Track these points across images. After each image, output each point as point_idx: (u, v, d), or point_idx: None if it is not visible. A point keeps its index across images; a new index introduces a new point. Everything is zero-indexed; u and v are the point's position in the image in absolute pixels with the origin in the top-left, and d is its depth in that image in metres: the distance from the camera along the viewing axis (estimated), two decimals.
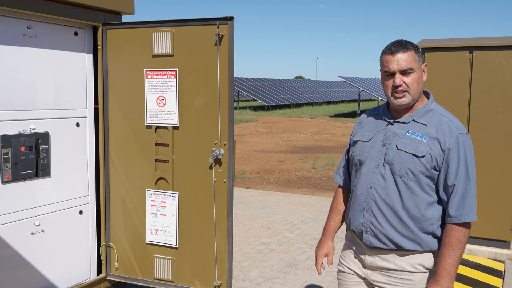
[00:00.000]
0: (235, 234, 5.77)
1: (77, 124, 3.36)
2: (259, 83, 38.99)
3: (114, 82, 3.43)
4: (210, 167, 3.21)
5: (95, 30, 3.41)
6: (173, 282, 3.41)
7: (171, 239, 3.36)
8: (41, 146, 3.11)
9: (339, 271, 2.42)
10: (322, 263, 2.44)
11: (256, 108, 34.53)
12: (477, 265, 5.09)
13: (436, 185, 2.12)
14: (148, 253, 3.45)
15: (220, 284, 3.28)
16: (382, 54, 2.17)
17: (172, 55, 3.24)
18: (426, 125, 2.13)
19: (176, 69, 3.23)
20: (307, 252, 5.43)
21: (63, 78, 3.24)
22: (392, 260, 2.18)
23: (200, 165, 3.25)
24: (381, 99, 29.15)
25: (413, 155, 2.09)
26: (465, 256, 5.30)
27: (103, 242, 3.52)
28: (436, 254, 2.16)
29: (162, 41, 3.25)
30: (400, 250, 2.15)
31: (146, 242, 3.43)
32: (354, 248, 2.33)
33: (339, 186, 2.50)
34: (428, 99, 2.22)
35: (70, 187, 3.33)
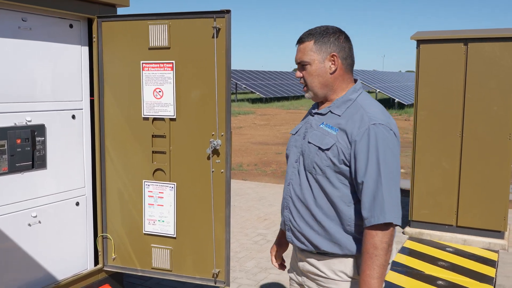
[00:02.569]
0: (232, 225, 5.80)
1: (73, 116, 3.38)
2: (257, 75, 38.93)
3: (109, 74, 3.45)
4: (208, 158, 3.25)
5: (90, 22, 3.43)
6: (171, 271, 3.46)
7: (169, 229, 3.41)
8: (37, 138, 3.13)
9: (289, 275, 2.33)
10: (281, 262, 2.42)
11: (254, 101, 34.50)
12: (471, 255, 5.15)
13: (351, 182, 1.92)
14: (146, 243, 3.49)
15: (218, 272, 3.33)
16: None
17: (168, 48, 3.27)
18: (339, 116, 1.97)
19: (173, 61, 3.26)
20: None
21: (59, 70, 3.25)
22: (314, 264, 2.04)
23: (198, 156, 3.28)
24: (379, 91, 29.14)
25: (319, 148, 1.94)
26: (459, 246, 5.36)
27: (99, 233, 3.56)
28: (360, 259, 1.92)
29: (158, 34, 3.27)
30: (320, 253, 2.00)
31: (144, 232, 3.47)
32: (294, 252, 2.24)
33: None
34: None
35: (66, 179, 3.35)
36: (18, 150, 3.00)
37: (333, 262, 1.98)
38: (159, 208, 3.41)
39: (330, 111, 2.01)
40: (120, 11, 3.62)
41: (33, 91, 3.11)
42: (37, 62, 3.12)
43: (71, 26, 3.31)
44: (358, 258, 1.94)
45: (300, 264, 2.12)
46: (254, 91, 33.69)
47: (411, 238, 5.65)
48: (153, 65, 3.32)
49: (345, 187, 1.92)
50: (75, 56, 3.36)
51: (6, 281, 3.01)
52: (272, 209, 6.91)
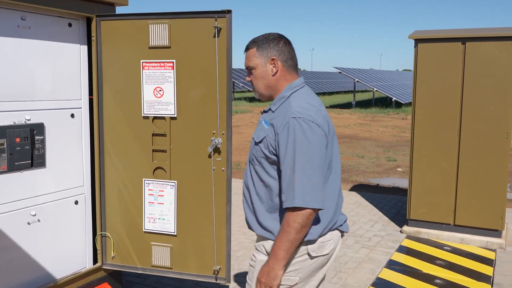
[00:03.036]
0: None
1: (72, 115, 3.38)
2: None
3: (108, 73, 3.45)
4: (209, 156, 3.27)
5: (89, 21, 3.42)
6: (171, 268, 3.47)
7: (169, 227, 3.42)
8: (36, 137, 3.13)
9: None
10: None
11: (251, 99, 34.50)
12: (469, 253, 5.17)
13: None
14: (146, 241, 3.50)
15: (219, 268, 3.36)
16: None
17: (169, 47, 3.28)
18: (273, 111, 2.22)
19: (174, 60, 3.28)
20: None
21: (58, 69, 3.25)
22: (256, 243, 2.33)
23: (198, 154, 3.30)
24: (376, 90, 29.17)
25: (255, 141, 2.22)
26: (457, 245, 5.38)
27: (98, 232, 3.56)
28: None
29: (159, 33, 3.28)
30: (257, 235, 2.28)
31: (144, 230, 3.48)
32: None
33: None
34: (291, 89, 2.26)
35: (65, 178, 3.36)
36: (17, 148, 3.00)
37: (263, 242, 2.26)
38: (160, 206, 3.42)
39: (270, 108, 2.26)
40: (119, 10, 3.62)
41: (32, 90, 3.11)
42: (36, 61, 3.11)
43: (70, 25, 3.31)
44: None
45: None
46: (251, 89, 33.64)
47: (409, 237, 5.67)
48: (154, 64, 3.33)
49: (277, 176, 2.16)
50: (74, 55, 3.36)
51: (5, 280, 3.01)
52: None
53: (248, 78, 2.31)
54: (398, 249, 5.27)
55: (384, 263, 4.86)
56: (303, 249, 2.17)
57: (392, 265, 4.82)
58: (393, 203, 7.24)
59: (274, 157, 2.13)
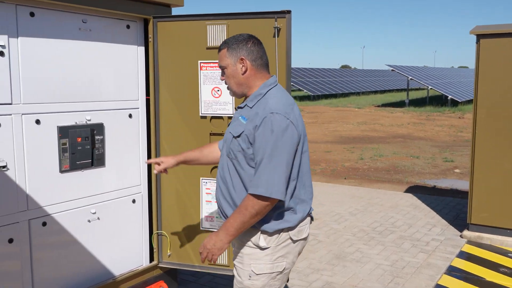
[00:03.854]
0: None
1: (130, 115, 3.43)
2: (305, 72, 38.69)
3: (165, 73, 3.50)
4: None
5: (146, 23, 3.47)
6: (228, 266, 3.51)
7: None
8: (96, 137, 3.20)
9: None
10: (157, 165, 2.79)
11: (301, 98, 34.33)
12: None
13: None
14: (203, 240, 3.49)
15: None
16: None
17: None
18: (251, 108, 2.32)
19: None
20: (356, 244, 5.36)
21: (116, 70, 3.32)
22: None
23: None
24: (430, 88, 28.28)
25: (233, 136, 2.30)
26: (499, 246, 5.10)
27: (155, 231, 3.61)
28: (270, 234, 2.30)
29: (217, 34, 3.33)
30: None
31: (201, 228, 3.52)
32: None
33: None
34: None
35: (123, 177, 3.42)
36: (78, 148, 3.08)
37: (243, 234, 2.33)
38: (217, 205, 3.43)
39: (246, 104, 2.37)
40: (175, 10, 3.65)
41: (93, 91, 3.18)
42: (96, 63, 3.18)
43: (128, 26, 3.37)
44: (263, 232, 2.30)
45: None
46: (301, 88, 33.50)
47: (470, 242, 5.42)
48: (212, 65, 3.38)
49: (253, 169, 2.25)
50: (132, 56, 3.41)
51: (66, 275, 3.10)
52: (322, 209, 6.83)
53: (222, 78, 2.42)
54: (459, 255, 5.05)
55: (443, 269, 4.66)
56: (285, 235, 2.34)
57: (453, 271, 4.62)
58: (451, 206, 6.96)
59: (251, 151, 2.25)
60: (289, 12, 3.15)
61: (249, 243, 2.34)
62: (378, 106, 28.03)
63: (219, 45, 3.31)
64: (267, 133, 2.17)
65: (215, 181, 3.45)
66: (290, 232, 2.35)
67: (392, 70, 30.56)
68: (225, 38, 3.30)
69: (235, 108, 2.50)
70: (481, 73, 5.35)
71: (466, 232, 5.56)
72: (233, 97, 3.32)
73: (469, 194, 5.52)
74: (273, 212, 2.28)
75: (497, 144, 5.30)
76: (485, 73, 5.32)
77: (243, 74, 2.36)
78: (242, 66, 2.35)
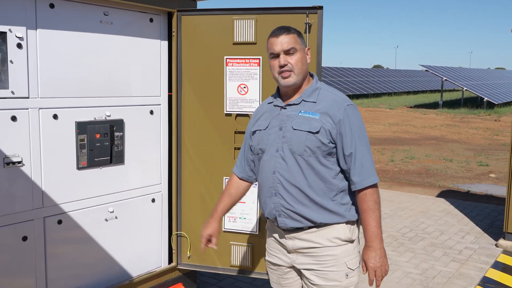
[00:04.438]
0: None
1: (151, 112, 3.33)
2: (336, 72, 38.24)
3: (189, 69, 3.38)
4: None
5: (170, 16, 3.36)
6: (251, 268, 3.42)
7: (251, 226, 3.37)
8: (116, 133, 3.11)
9: (268, 262, 2.46)
10: (207, 243, 2.49)
11: None
12: None
13: (336, 157, 2.20)
14: (225, 241, 3.44)
15: None
16: (268, 39, 2.26)
17: (255, 43, 3.24)
18: (315, 102, 2.22)
19: (260, 57, 3.24)
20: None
21: (138, 65, 3.22)
22: (309, 238, 2.23)
23: None
24: (466, 89, 27.50)
25: (308, 132, 2.16)
26: None
27: (174, 232, 3.50)
28: (353, 224, 2.25)
29: (244, 29, 3.24)
30: (314, 226, 2.21)
31: (223, 229, 3.42)
32: (274, 235, 2.37)
33: (233, 173, 2.54)
34: (313, 79, 2.32)
35: (143, 175, 3.32)
36: (97, 144, 2.99)
37: (326, 231, 2.21)
38: (241, 205, 3.37)
39: (303, 100, 2.24)
40: (200, 4, 3.53)
41: (113, 86, 3.09)
42: (117, 57, 3.09)
43: (151, 20, 3.26)
44: (348, 222, 2.23)
45: (289, 243, 2.28)
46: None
47: (506, 252, 5.13)
48: (238, 61, 3.28)
49: (331, 163, 2.19)
50: (154, 51, 3.31)
51: (81, 274, 3.02)
52: None
53: (283, 61, 2.19)
54: (493, 265, 4.78)
55: (477, 280, 4.41)
56: (355, 227, 2.28)
57: (487, 283, 4.36)
58: (486, 213, 6.65)
59: (332, 145, 2.17)
60: (321, 8, 3.09)
61: (338, 240, 2.23)
62: (411, 107, 27.43)
63: (246, 40, 3.26)
64: (353, 125, 2.16)
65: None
66: (357, 223, 2.31)
67: (426, 70, 29.87)
68: (254, 34, 3.25)
69: (277, 106, 2.31)
70: None
71: (502, 241, 5.27)
72: (260, 96, 3.25)
73: (506, 201, 5.23)
74: (352, 198, 2.25)
75: None
76: None
77: (307, 64, 2.28)
78: (308, 56, 2.28)
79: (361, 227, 2.26)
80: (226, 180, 3.39)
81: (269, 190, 2.25)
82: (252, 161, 2.44)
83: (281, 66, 2.19)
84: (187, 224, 3.52)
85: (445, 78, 27.85)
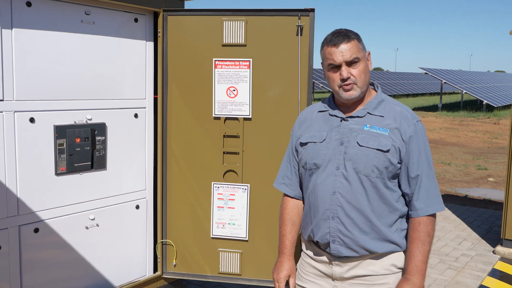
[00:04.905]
0: None
1: (136, 115, 3.21)
2: None
3: (176, 71, 3.27)
4: None
5: (156, 16, 3.24)
6: (240, 275, 3.34)
7: (240, 232, 3.30)
8: (98, 138, 2.99)
9: (299, 286, 2.17)
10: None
11: None
12: None
13: (398, 178, 2.00)
14: (213, 248, 3.35)
15: None
16: (323, 46, 2.00)
17: (245, 45, 3.17)
18: (382, 116, 2.00)
19: (250, 59, 3.17)
20: None
21: (122, 66, 3.10)
22: (363, 266, 2.02)
23: (274, 156, 3.19)
24: (465, 92, 27.40)
25: (378, 150, 1.94)
26: None
27: (159, 239, 3.38)
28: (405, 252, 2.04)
29: (233, 31, 3.16)
30: (372, 254, 2.00)
31: (212, 236, 3.33)
32: (316, 261, 2.11)
33: (285, 195, 2.23)
34: (374, 89, 2.09)
35: (127, 181, 3.20)
36: (77, 149, 2.88)
37: (384, 259, 2.01)
38: (230, 211, 3.30)
39: (368, 112, 2.01)
40: (188, 4, 3.42)
41: (95, 88, 2.97)
42: (99, 58, 2.97)
43: (136, 20, 3.15)
44: (405, 250, 2.02)
45: (337, 270, 2.04)
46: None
47: (504, 259, 5.01)
48: (228, 63, 3.20)
49: (394, 185, 1.99)
50: (139, 52, 3.19)
51: (62, 285, 2.90)
52: None
53: (346, 74, 1.94)
54: (491, 273, 4.66)
55: None
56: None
57: None
58: (484, 218, 6.53)
59: (398, 165, 1.97)
60: (312, 10, 3.06)
61: (394, 268, 2.02)
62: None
63: (236, 42, 3.18)
64: (421, 145, 1.97)
65: (229, 185, 3.31)
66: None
67: (426, 73, 29.76)
68: (244, 35, 3.16)
69: (344, 119, 2.03)
70: None
71: (499, 248, 5.15)
72: (250, 99, 3.19)
73: (504, 207, 5.11)
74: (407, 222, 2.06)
75: None
76: None
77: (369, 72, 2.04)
78: (369, 63, 2.03)
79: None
80: (215, 185, 3.29)
81: (325, 212, 1.99)
82: (297, 177, 2.18)
83: (343, 80, 1.95)
84: (174, 232, 3.40)
85: (444, 81, 27.77)
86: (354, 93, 1.96)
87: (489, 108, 26.05)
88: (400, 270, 2.04)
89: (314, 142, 2.05)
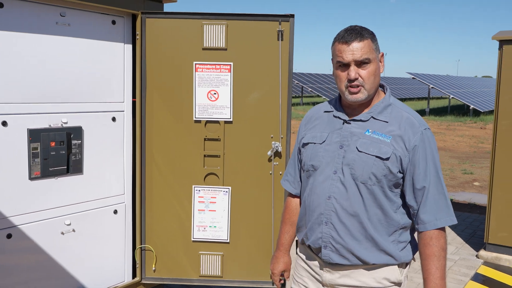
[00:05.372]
0: None
1: (113, 119, 3.16)
2: (324, 79, 38.27)
3: (155, 74, 3.24)
4: (269, 160, 3.23)
5: (135, 19, 3.21)
6: (221, 277, 3.35)
7: (222, 234, 3.30)
8: (73, 141, 2.94)
9: None
10: (280, 279, 2.19)
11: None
12: None
13: (402, 189, 1.90)
14: (194, 251, 3.35)
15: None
16: (334, 42, 1.89)
17: (225, 49, 3.18)
18: (387, 122, 1.90)
19: (231, 63, 3.18)
20: None
21: (99, 69, 3.05)
22: (354, 277, 1.94)
23: (255, 158, 3.24)
24: (452, 97, 27.62)
25: (377, 157, 1.85)
26: None
27: (138, 245, 3.33)
28: (403, 266, 1.96)
29: (214, 34, 3.17)
30: (364, 264, 1.92)
31: (192, 239, 3.33)
32: (309, 264, 2.07)
33: (290, 195, 2.22)
34: (384, 92, 1.99)
35: (104, 185, 3.15)
36: (52, 153, 2.82)
37: (377, 271, 1.93)
38: (211, 214, 3.30)
39: (372, 117, 1.91)
40: (168, 7, 3.39)
41: (71, 91, 2.92)
42: (76, 60, 2.92)
43: (113, 22, 3.10)
44: (401, 265, 1.94)
45: (327, 277, 1.98)
46: (320, 94, 33.06)
47: (486, 264, 5.02)
48: (208, 66, 3.20)
49: (395, 195, 1.90)
50: (117, 55, 3.15)
51: None
52: None
53: (354, 75, 1.83)
54: (473, 278, 4.66)
55: None
56: (406, 270, 2.01)
57: None
58: (468, 222, 6.54)
59: (400, 175, 1.86)
60: (292, 16, 3.12)
61: (386, 282, 1.93)
62: None
63: (217, 46, 3.18)
64: (429, 154, 1.85)
65: (210, 188, 3.29)
66: (409, 265, 2.02)
67: (413, 78, 29.95)
68: (224, 39, 3.14)
69: (346, 121, 1.95)
70: (504, 81, 4.96)
71: (482, 252, 5.16)
72: (231, 102, 3.20)
73: (487, 211, 5.12)
74: (411, 235, 1.97)
75: None
76: (508, 82, 4.93)
77: (380, 74, 1.93)
78: (382, 65, 1.92)
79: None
80: (196, 188, 3.29)
81: (319, 216, 1.93)
82: (300, 175, 2.13)
83: (351, 80, 1.85)
84: (154, 236, 3.36)
85: (431, 86, 27.96)
86: (360, 96, 1.87)
87: (476, 113, 26.28)
88: (393, 284, 1.94)
89: (314, 143, 1.99)
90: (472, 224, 6.47)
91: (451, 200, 7.92)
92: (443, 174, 7.53)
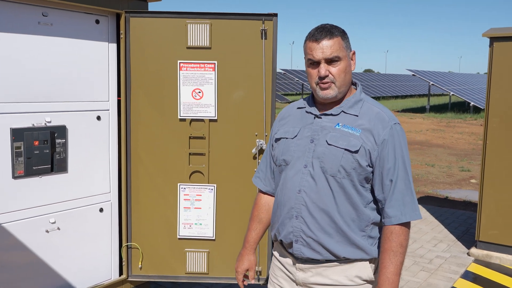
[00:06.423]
0: None
1: (98, 118, 3.18)
2: None
3: (140, 73, 3.25)
4: (254, 157, 3.25)
5: (119, 18, 3.22)
6: (207, 274, 3.38)
7: (207, 231, 3.33)
8: (58, 140, 2.96)
9: None
10: (244, 280, 2.19)
11: None
12: None
13: (371, 182, 1.90)
14: (179, 248, 3.37)
15: (261, 269, 3.35)
16: (306, 41, 1.92)
17: (209, 48, 3.20)
18: (357, 116, 1.92)
19: (215, 62, 3.20)
20: None
21: (83, 68, 3.07)
22: (326, 274, 1.94)
23: (239, 156, 3.26)
24: (452, 94, 27.56)
25: (346, 150, 1.86)
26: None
27: (124, 243, 3.35)
28: (375, 262, 1.96)
29: (198, 33, 3.18)
30: (334, 261, 1.93)
31: (178, 237, 3.35)
32: (282, 263, 2.07)
33: (260, 191, 2.19)
34: (356, 89, 2.01)
35: (89, 184, 3.17)
36: (35, 152, 2.84)
37: (346, 268, 1.93)
38: (196, 211, 3.32)
39: (342, 111, 1.93)
40: (152, 6, 3.40)
41: (54, 90, 2.93)
42: (59, 60, 2.94)
43: (97, 21, 3.12)
44: (372, 260, 1.95)
45: (300, 275, 1.99)
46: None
47: (477, 261, 5.03)
48: (193, 65, 3.22)
49: (364, 188, 1.90)
50: (101, 54, 3.16)
51: None
52: None
53: (324, 72, 1.86)
54: (463, 275, 4.67)
55: None
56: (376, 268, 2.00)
57: None
58: (462, 220, 6.55)
59: (369, 168, 1.87)
60: (275, 15, 3.14)
61: (359, 280, 1.93)
62: (398, 111, 27.43)
63: (201, 45, 3.19)
64: (398, 149, 1.86)
65: (195, 186, 3.32)
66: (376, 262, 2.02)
67: (414, 74, 29.90)
68: (208, 38, 3.16)
69: (317, 116, 1.97)
70: (494, 79, 4.96)
71: (473, 250, 5.16)
72: (216, 101, 3.22)
73: (478, 209, 5.13)
74: (380, 232, 1.95)
75: (510, 156, 4.90)
76: (498, 79, 4.94)
77: (351, 72, 1.96)
78: (353, 62, 1.95)
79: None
80: (181, 186, 3.30)
81: (290, 211, 1.93)
82: (272, 172, 2.14)
83: (321, 77, 1.88)
84: (140, 234, 3.38)
85: (432, 83, 27.91)
86: (331, 92, 1.89)
87: (476, 110, 26.23)
88: (365, 282, 1.95)
89: (286, 138, 2.00)
90: (465, 221, 6.47)
91: (446, 197, 7.93)
92: (441, 171, 7.58)
